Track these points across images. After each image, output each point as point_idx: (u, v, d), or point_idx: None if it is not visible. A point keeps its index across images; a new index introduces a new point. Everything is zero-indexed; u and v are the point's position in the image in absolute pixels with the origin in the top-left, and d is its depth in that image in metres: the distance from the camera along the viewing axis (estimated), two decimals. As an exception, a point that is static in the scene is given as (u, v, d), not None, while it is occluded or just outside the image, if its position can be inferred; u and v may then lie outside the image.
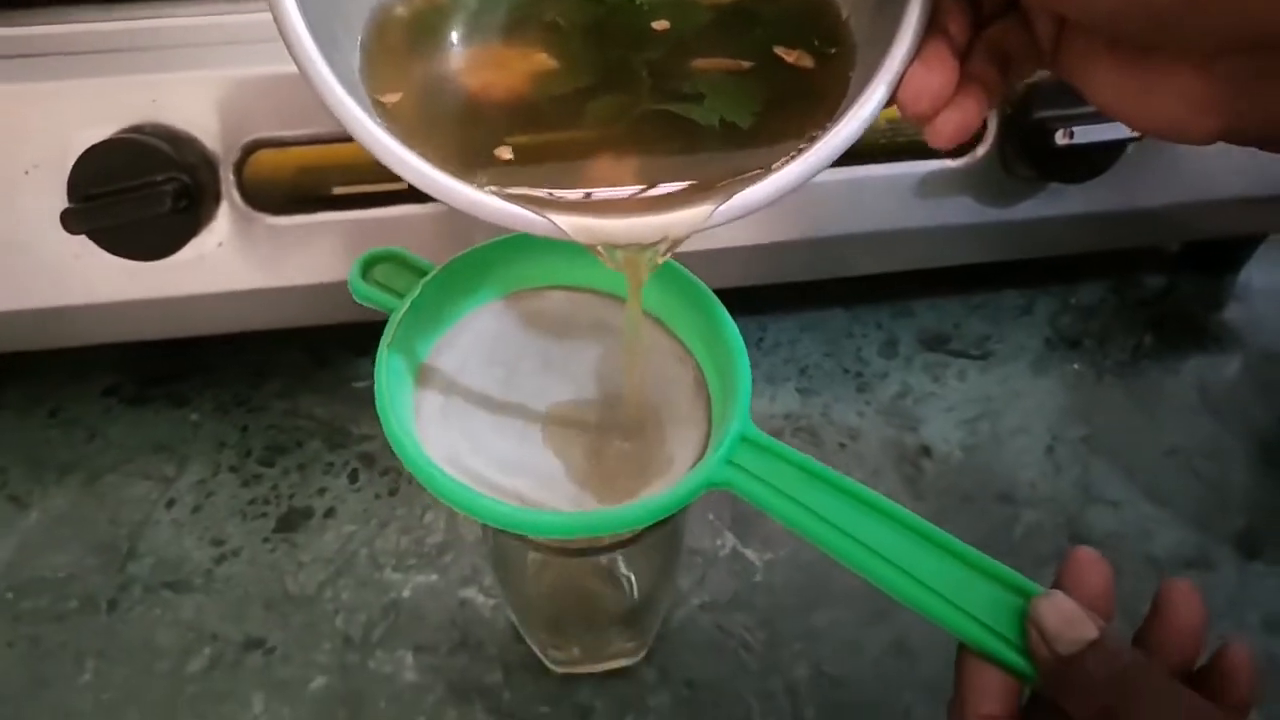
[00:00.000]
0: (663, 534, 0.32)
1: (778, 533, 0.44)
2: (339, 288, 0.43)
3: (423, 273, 0.32)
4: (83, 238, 0.40)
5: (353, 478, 0.46)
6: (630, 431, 0.32)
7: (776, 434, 0.46)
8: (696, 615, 0.42)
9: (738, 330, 0.31)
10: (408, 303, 0.30)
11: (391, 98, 0.25)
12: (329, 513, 0.45)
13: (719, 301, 0.32)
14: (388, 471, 0.46)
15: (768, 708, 0.39)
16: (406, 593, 0.42)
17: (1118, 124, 0.42)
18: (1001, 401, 0.49)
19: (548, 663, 0.40)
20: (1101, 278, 0.55)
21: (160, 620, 0.41)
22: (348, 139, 0.38)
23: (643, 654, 0.40)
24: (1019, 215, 0.47)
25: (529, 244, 0.34)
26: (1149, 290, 0.55)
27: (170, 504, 0.45)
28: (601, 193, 0.24)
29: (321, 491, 0.45)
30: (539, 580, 0.36)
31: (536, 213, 0.23)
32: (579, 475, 0.31)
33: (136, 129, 0.39)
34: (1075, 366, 0.51)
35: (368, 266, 0.34)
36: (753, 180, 0.23)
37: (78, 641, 0.40)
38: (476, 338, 0.33)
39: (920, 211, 0.46)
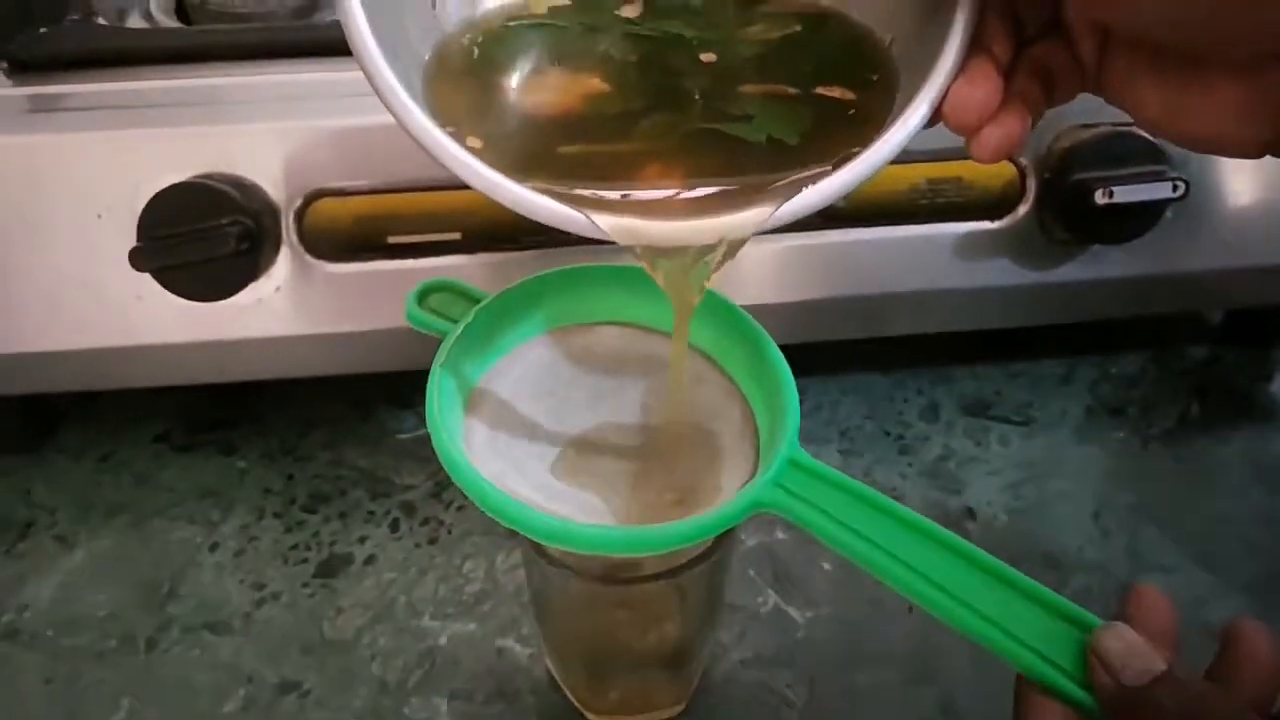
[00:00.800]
0: (707, 568, 0.32)
1: (820, 590, 0.43)
2: (391, 335, 0.45)
3: (476, 301, 0.33)
4: (147, 280, 0.42)
5: (394, 526, 0.46)
6: (675, 463, 0.33)
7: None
8: (737, 671, 0.41)
9: (784, 359, 0.32)
10: (462, 326, 0.31)
11: (450, 120, 0.27)
12: (369, 560, 0.45)
13: (765, 332, 0.33)
14: (428, 521, 0.46)
15: (811, 766, 0.38)
16: (443, 640, 0.42)
17: (1158, 184, 0.44)
18: (1045, 467, 0.49)
19: (586, 713, 0.39)
20: (1142, 347, 0.55)
21: (198, 661, 0.41)
22: (404, 189, 0.41)
23: (681, 707, 0.40)
24: (1057, 278, 0.48)
25: (581, 277, 0.35)
26: (1191, 360, 0.55)
27: (214, 548, 0.45)
28: (650, 193, 0.25)
29: (362, 540, 0.45)
30: (580, 618, 0.36)
31: (579, 210, 0.24)
32: (624, 507, 0.31)
33: (205, 176, 0.41)
34: (1119, 434, 0.51)
35: (424, 295, 0.35)
36: (809, 182, 0.24)
37: (115, 679, 0.40)
38: (527, 368, 0.34)
39: (958, 273, 0.47)
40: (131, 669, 0.41)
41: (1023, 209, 0.46)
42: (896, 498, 0.46)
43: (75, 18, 0.50)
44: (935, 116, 0.24)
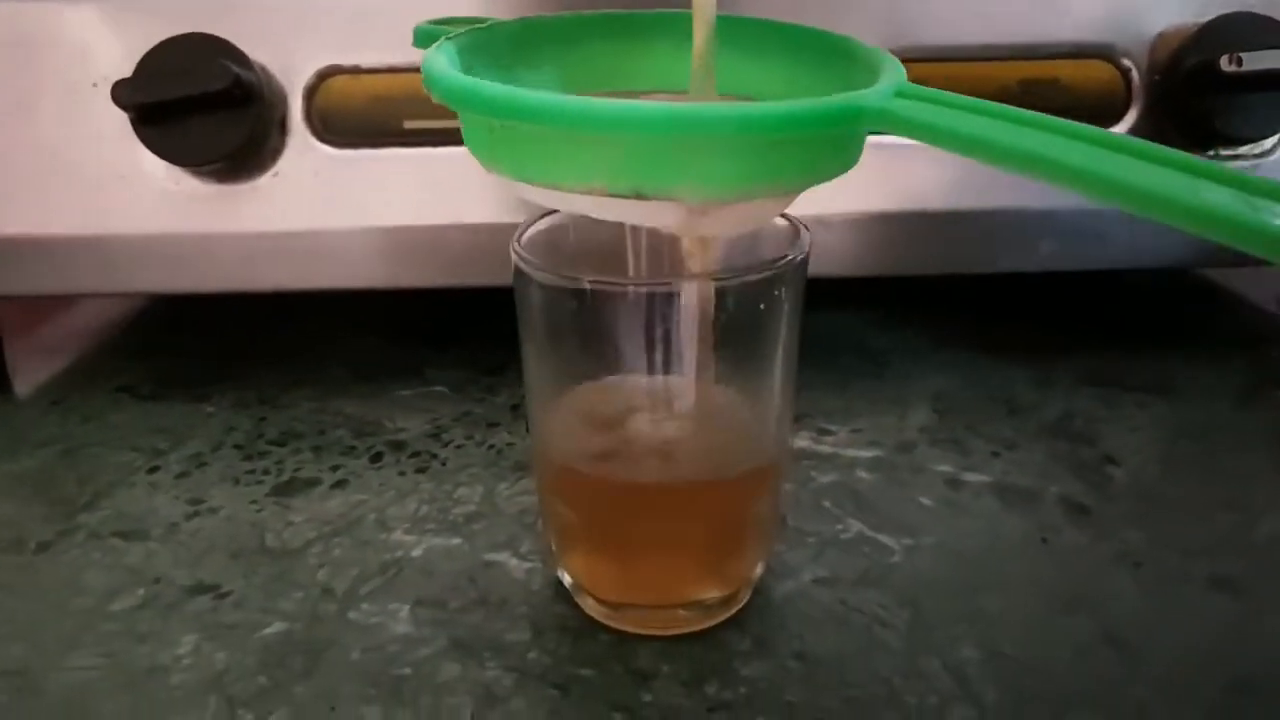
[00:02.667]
0: (761, 352, 0.24)
1: (919, 522, 0.33)
2: (401, 236, 0.39)
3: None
4: (130, 156, 0.38)
5: (376, 458, 0.37)
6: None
7: (909, 447, 0.37)
8: (809, 589, 0.30)
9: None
10: (487, 25, 0.25)
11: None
12: (339, 484, 0.35)
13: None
14: (419, 454, 0.37)
15: (922, 688, 0.26)
16: (416, 553, 0.32)
17: None
18: (1202, 428, 0.38)
19: (598, 616, 0.28)
20: None
21: (95, 564, 0.31)
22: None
23: (729, 613, 0.28)
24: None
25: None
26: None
27: (153, 470, 0.36)
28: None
29: (335, 468, 0.36)
30: (595, 436, 0.26)
31: None
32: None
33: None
34: (1291, 398, 0.40)
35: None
36: None
37: (-16, 577, 0.31)
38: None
39: (1056, 192, 0.40)
40: (8, 567, 0.31)
41: (1132, 115, 0.40)
42: (1010, 446, 0.37)
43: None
44: None
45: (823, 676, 0.26)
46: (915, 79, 0.41)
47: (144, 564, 0.31)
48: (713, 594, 0.28)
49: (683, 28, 0.25)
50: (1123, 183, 0.17)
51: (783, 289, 0.25)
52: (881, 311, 0.49)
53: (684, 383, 0.25)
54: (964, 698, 0.25)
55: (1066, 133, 0.19)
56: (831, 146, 0.21)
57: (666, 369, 0.25)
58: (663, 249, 0.27)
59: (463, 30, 0.25)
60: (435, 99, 0.22)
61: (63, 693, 0.26)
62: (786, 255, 0.24)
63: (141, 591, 0.30)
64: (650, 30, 0.28)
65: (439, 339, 0.46)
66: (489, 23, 0.26)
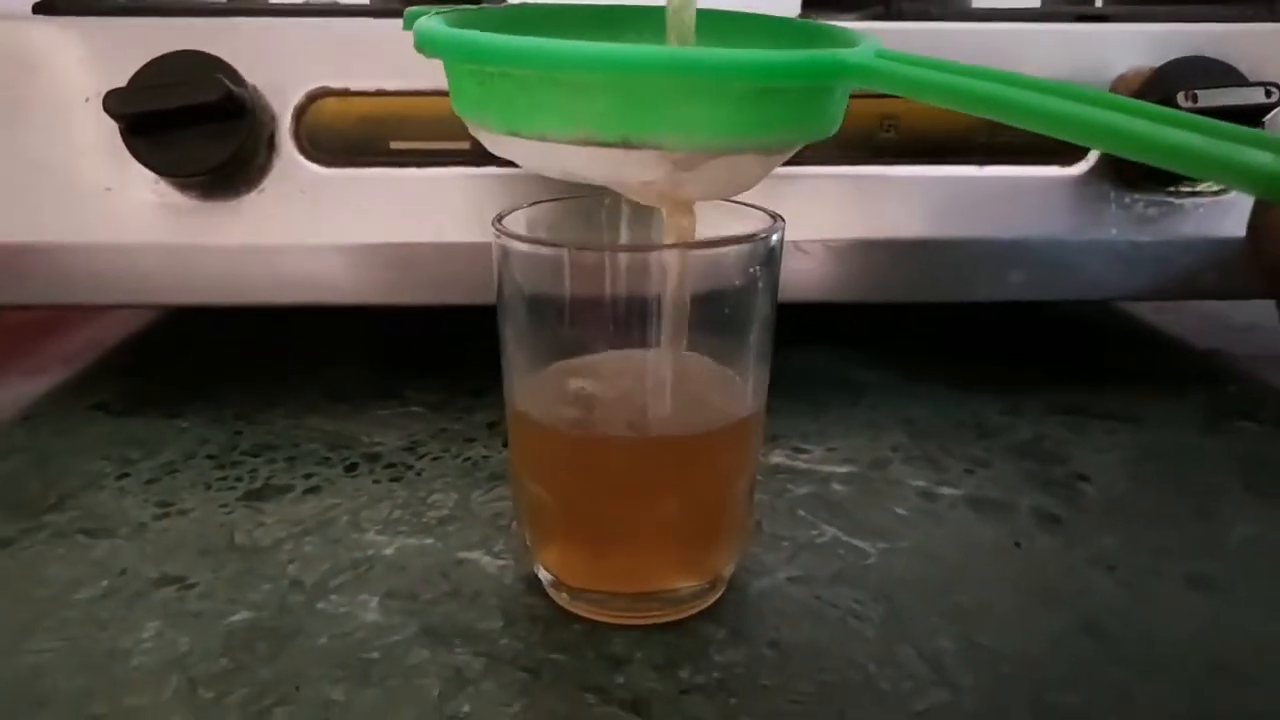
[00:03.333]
0: (736, 326, 0.24)
1: (894, 529, 0.33)
2: (382, 253, 0.40)
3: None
4: (119, 169, 0.38)
5: (350, 468, 0.37)
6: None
7: (883, 464, 0.37)
8: (784, 587, 0.29)
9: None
10: (477, 7, 0.26)
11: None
12: (312, 490, 0.35)
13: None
14: (394, 465, 0.37)
15: (897, 674, 0.25)
16: (388, 551, 0.31)
17: (1247, 89, 0.39)
18: (1170, 450, 0.39)
19: (572, 608, 0.28)
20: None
21: (60, 558, 0.31)
22: (413, 93, 0.38)
23: (702, 605, 0.28)
24: (1139, 236, 0.41)
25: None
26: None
27: (122, 476, 0.36)
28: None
29: (308, 476, 0.36)
30: (570, 400, 0.26)
31: None
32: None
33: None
34: (1253, 424, 0.41)
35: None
36: None
37: (-57, 570, 0.30)
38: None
39: (1029, 222, 0.41)
40: (-30, 561, 0.30)
41: (1094, 153, 0.42)
42: (982, 464, 0.37)
43: None
44: None
45: (797, 663, 0.26)
46: (888, 114, 0.42)
47: (109, 558, 0.31)
48: (688, 584, 0.28)
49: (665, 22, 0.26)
50: (1100, 124, 0.18)
51: (757, 267, 0.25)
52: (855, 347, 0.49)
53: (659, 349, 0.25)
54: (939, 682, 0.25)
55: (1037, 87, 0.20)
56: (813, 103, 0.22)
57: (642, 336, 0.25)
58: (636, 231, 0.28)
59: (451, 9, 0.26)
60: (427, 54, 0.22)
61: (20, 672, 0.25)
62: (761, 231, 0.25)
63: (105, 583, 0.29)
64: (634, 23, 0.29)
65: (418, 364, 0.47)
66: (479, 6, 0.27)
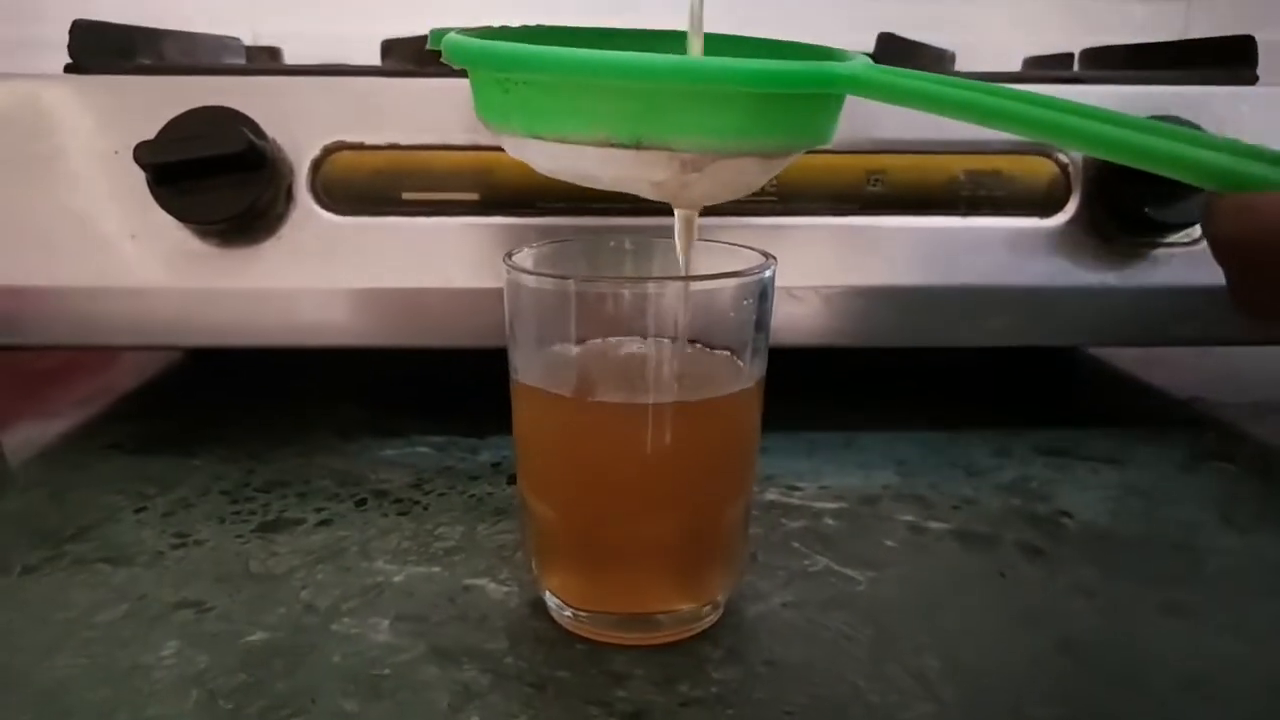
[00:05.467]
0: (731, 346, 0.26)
1: (883, 559, 0.34)
2: (393, 298, 0.41)
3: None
4: (143, 218, 0.40)
5: (360, 503, 0.38)
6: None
7: (873, 500, 0.38)
8: (778, 611, 0.31)
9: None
10: (496, 28, 0.28)
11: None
12: (323, 523, 0.36)
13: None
14: (401, 500, 0.38)
15: (885, 688, 0.27)
16: (398, 578, 0.32)
17: None
18: (1150, 488, 0.40)
19: (575, 630, 0.29)
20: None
21: (80, 584, 0.32)
22: (425, 147, 0.40)
23: (700, 626, 0.29)
24: (1116, 283, 0.44)
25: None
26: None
27: (140, 510, 0.37)
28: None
29: (319, 510, 0.37)
30: (569, 428, 0.28)
31: None
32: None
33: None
34: (1230, 465, 0.43)
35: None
36: None
37: (-31, 594, 0.31)
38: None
39: (1010, 270, 0.43)
40: (-6, 587, 0.32)
41: (1072, 206, 0.44)
42: (969, 502, 0.38)
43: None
44: None
45: (790, 679, 0.27)
46: (875, 168, 0.45)
47: (128, 584, 0.32)
48: (686, 606, 0.29)
49: (676, 45, 0.28)
50: (1072, 127, 0.21)
51: (752, 299, 0.27)
52: (847, 391, 0.51)
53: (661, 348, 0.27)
54: (925, 696, 0.26)
55: (1014, 97, 0.23)
56: (812, 111, 0.24)
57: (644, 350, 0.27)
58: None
59: (473, 28, 0.28)
60: (457, 64, 0.24)
61: (45, 685, 0.26)
62: (755, 268, 0.27)
63: (125, 606, 0.30)
64: (639, 44, 0.31)
65: (424, 406, 0.48)
66: (499, 26, 0.29)
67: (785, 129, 0.24)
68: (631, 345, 0.26)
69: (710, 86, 0.22)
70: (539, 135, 0.24)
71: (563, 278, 0.26)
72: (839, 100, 0.25)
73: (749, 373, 0.28)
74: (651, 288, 0.27)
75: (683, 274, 0.28)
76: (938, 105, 0.22)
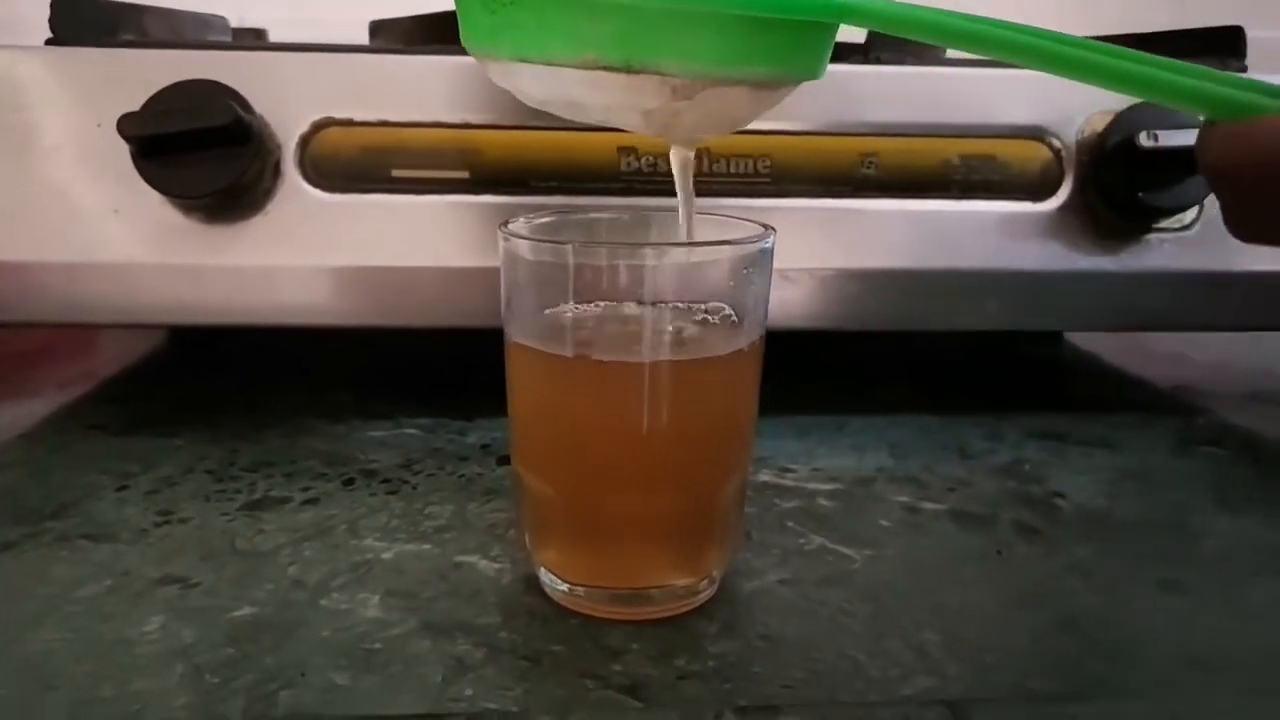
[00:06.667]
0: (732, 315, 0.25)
1: (878, 539, 0.34)
2: (377, 275, 0.41)
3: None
4: (126, 192, 0.40)
5: (347, 482, 0.38)
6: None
7: (868, 482, 0.38)
8: (774, 588, 0.30)
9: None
10: None
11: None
12: (310, 501, 0.36)
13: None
14: (390, 480, 0.38)
15: (885, 663, 0.26)
16: (387, 555, 0.32)
17: None
18: (1143, 471, 0.40)
19: (570, 604, 0.28)
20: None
21: (63, 560, 0.31)
22: (415, 124, 0.39)
23: (696, 601, 0.29)
24: (1108, 267, 0.44)
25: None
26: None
27: (121, 488, 0.37)
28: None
29: (306, 489, 0.37)
30: (563, 391, 0.27)
31: None
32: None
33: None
34: (1220, 450, 0.43)
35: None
36: None
37: (-54, 570, 0.30)
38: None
39: (1004, 254, 0.43)
40: (-28, 562, 0.31)
41: (1065, 190, 0.44)
42: (964, 484, 0.38)
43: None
44: None
45: (788, 653, 0.27)
46: (868, 150, 0.44)
47: (111, 560, 0.31)
48: (682, 580, 0.28)
49: None
50: (1074, 58, 0.21)
51: (751, 270, 0.27)
52: (835, 380, 0.51)
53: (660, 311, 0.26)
54: (926, 671, 0.26)
55: (1006, 27, 0.22)
56: (803, 40, 0.24)
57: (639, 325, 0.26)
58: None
59: None
60: None
61: (26, 658, 0.26)
62: (753, 236, 0.26)
63: (108, 582, 0.30)
64: None
65: (411, 388, 0.47)
66: None
67: (775, 57, 0.24)
68: (629, 309, 0.26)
69: (700, 5, 0.22)
70: (527, 59, 0.23)
71: (561, 243, 0.25)
72: (830, 33, 0.25)
73: (746, 336, 0.27)
74: (650, 253, 0.26)
75: (683, 230, 0.28)
76: (930, 31, 0.22)
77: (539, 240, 0.27)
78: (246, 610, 0.28)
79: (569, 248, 0.25)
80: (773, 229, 0.28)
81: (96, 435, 0.42)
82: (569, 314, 0.26)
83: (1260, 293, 0.45)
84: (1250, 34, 0.48)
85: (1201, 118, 0.22)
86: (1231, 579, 0.32)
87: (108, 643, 0.27)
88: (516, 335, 0.27)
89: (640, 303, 0.26)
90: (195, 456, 0.40)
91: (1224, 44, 0.49)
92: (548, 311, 0.26)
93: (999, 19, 0.22)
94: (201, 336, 0.57)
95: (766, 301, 0.28)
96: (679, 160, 0.27)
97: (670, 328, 0.26)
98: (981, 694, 0.25)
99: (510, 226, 0.27)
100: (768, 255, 0.27)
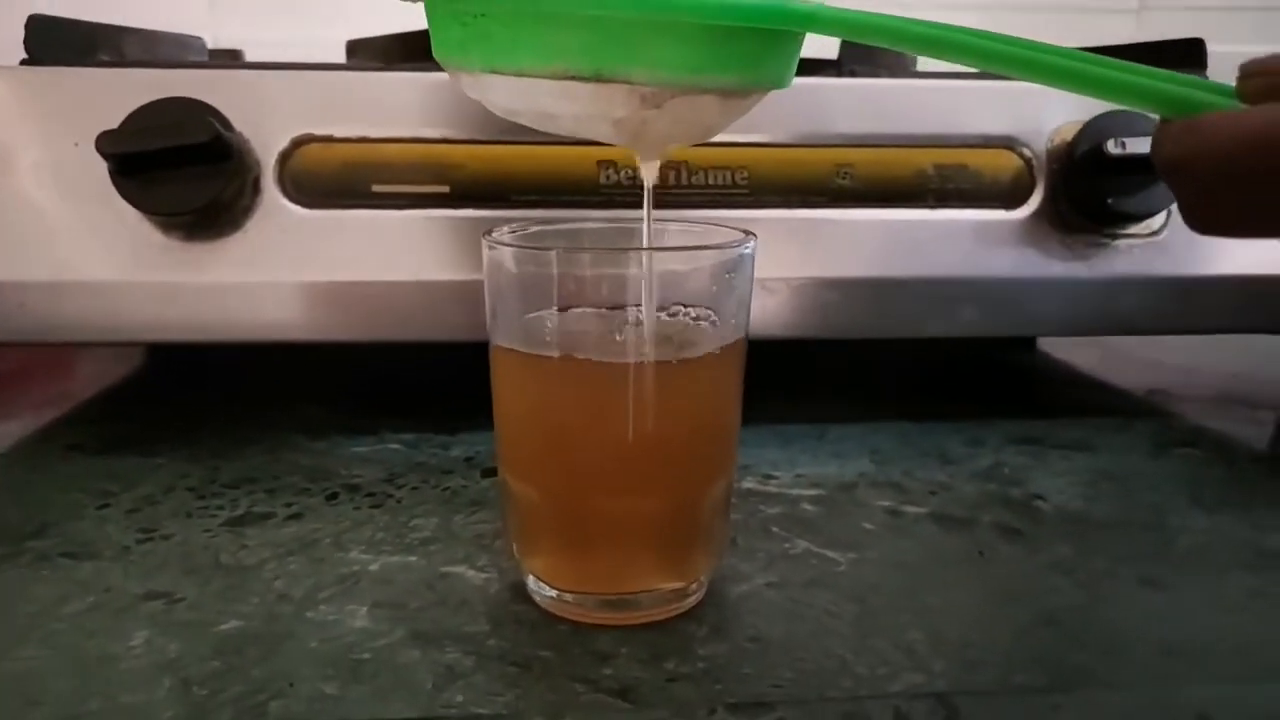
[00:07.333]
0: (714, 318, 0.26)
1: (863, 542, 0.34)
2: (358, 291, 0.41)
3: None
4: (102, 210, 0.40)
5: (331, 497, 0.37)
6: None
7: (850, 487, 0.38)
8: (761, 591, 0.31)
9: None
10: None
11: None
12: (294, 516, 0.36)
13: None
14: (374, 494, 0.38)
15: (873, 661, 0.27)
16: (373, 567, 0.32)
17: None
18: (1120, 473, 0.41)
19: (558, 611, 0.28)
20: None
21: (44, 579, 0.31)
22: (395, 140, 0.39)
23: (684, 605, 0.29)
24: (1079, 273, 0.44)
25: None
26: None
27: (102, 507, 0.36)
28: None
29: (289, 504, 0.37)
30: (548, 394, 0.28)
31: None
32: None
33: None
34: (1195, 451, 0.43)
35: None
36: None
37: (-76, 590, 0.30)
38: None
39: (977, 261, 0.44)
40: (-48, 582, 0.31)
41: (1036, 198, 0.45)
42: (945, 488, 0.39)
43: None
44: None
45: (777, 654, 0.27)
46: (843, 161, 0.45)
47: (93, 578, 0.31)
48: (669, 585, 0.29)
49: None
50: (1032, 60, 0.22)
51: (732, 274, 0.27)
52: (815, 389, 0.51)
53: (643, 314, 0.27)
54: (913, 668, 0.26)
55: (966, 32, 0.23)
56: (770, 49, 0.24)
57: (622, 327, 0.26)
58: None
59: None
60: None
61: (10, 676, 0.25)
62: (734, 241, 0.27)
63: (91, 599, 0.30)
64: None
65: (393, 404, 0.47)
66: None
67: (743, 66, 0.24)
68: (614, 312, 0.26)
69: (667, 15, 0.22)
70: (498, 70, 0.24)
71: (544, 249, 0.26)
72: (797, 42, 0.25)
73: (728, 338, 0.27)
74: (633, 257, 0.27)
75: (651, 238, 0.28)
76: (893, 38, 0.23)
77: (523, 248, 0.27)
78: (233, 623, 0.28)
79: (553, 254, 0.26)
80: (753, 234, 0.28)
81: (76, 455, 0.42)
82: (554, 319, 0.26)
83: (1229, 296, 0.46)
84: (1211, 48, 0.49)
85: (1157, 117, 0.23)
86: (1208, 574, 0.32)
87: (93, 658, 0.26)
88: (501, 340, 0.27)
89: (624, 306, 0.26)
90: (176, 474, 0.39)
91: (1186, 55, 0.50)
92: (531, 316, 0.27)
93: (964, 27, 0.23)
94: (180, 354, 0.56)
95: (749, 306, 0.28)
96: (651, 175, 0.27)
97: (654, 329, 0.26)
98: (968, 688, 0.25)
99: (494, 235, 0.28)
100: (748, 260, 0.28)
